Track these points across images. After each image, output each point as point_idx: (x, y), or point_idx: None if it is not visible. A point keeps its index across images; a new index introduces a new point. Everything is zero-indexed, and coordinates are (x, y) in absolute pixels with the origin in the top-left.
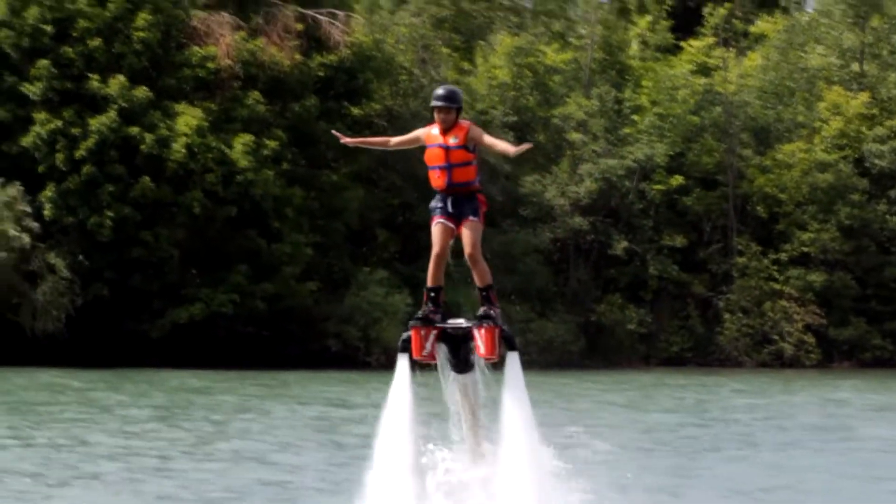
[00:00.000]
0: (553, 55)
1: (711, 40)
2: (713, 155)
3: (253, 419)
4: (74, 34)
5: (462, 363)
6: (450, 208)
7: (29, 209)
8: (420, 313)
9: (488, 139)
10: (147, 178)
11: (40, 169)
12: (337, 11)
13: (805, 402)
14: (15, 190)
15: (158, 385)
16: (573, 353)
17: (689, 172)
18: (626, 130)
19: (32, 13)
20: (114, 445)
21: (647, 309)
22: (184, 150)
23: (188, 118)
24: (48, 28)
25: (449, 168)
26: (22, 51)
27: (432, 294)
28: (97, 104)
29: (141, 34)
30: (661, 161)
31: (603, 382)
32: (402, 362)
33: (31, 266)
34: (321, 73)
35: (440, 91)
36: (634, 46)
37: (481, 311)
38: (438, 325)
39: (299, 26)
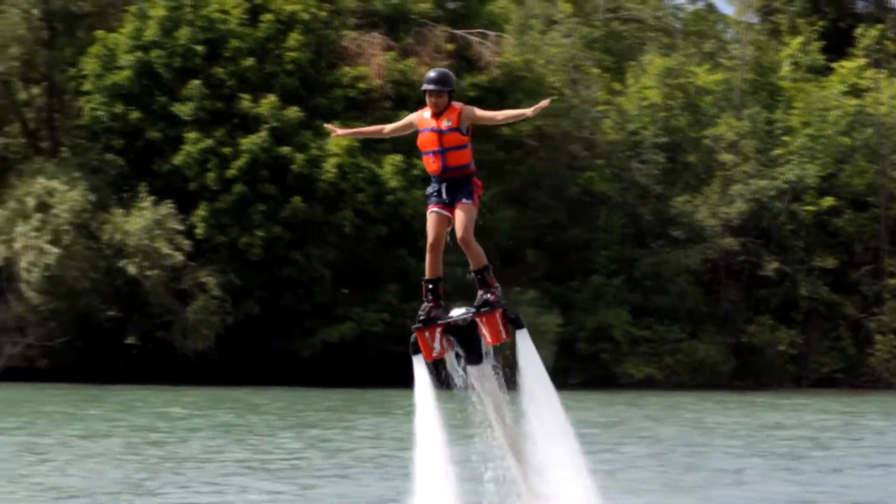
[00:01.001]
0: (704, 76)
1: (863, 61)
2: (865, 176)
3: None
4: (226, 54)
5: (474, 354)
6: (444, 195)
7: (181, 227)
8: (421, 313)
9: (484, 113)
10: (298, 198)
11: (191, 188)
12: (487, 32)
13: None
14: (166, 208)
15: (382, 405)
16: (723, 373)
17: (841, 193)
18: (778, 151)
19: (184, 33)
20: None
21: (798, 330)
22: (334, 170)
23: (339, 138)
24: (200, 48)
25: (443, 152)
26: (174, 71)
27: (430, 286)
28: (248, 124)
29: (292, 54)
30: (812, 182)
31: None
32: (418, 365)
33: (182, 284)
34: (471, 93)
35: (431, 74)
36: (786, 67)
37: (479, 297)
38: (441, 321)
39: (450, 46)
